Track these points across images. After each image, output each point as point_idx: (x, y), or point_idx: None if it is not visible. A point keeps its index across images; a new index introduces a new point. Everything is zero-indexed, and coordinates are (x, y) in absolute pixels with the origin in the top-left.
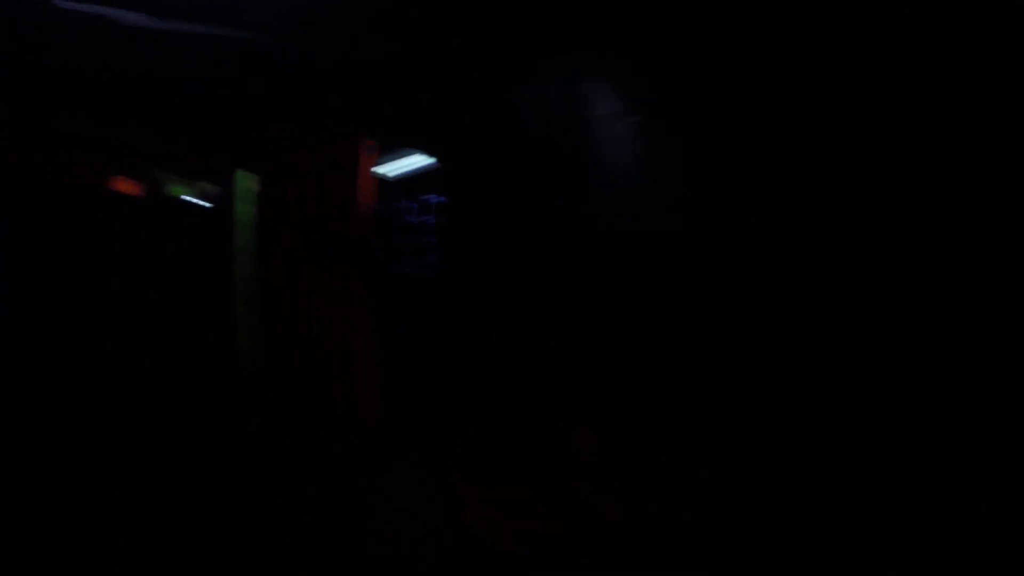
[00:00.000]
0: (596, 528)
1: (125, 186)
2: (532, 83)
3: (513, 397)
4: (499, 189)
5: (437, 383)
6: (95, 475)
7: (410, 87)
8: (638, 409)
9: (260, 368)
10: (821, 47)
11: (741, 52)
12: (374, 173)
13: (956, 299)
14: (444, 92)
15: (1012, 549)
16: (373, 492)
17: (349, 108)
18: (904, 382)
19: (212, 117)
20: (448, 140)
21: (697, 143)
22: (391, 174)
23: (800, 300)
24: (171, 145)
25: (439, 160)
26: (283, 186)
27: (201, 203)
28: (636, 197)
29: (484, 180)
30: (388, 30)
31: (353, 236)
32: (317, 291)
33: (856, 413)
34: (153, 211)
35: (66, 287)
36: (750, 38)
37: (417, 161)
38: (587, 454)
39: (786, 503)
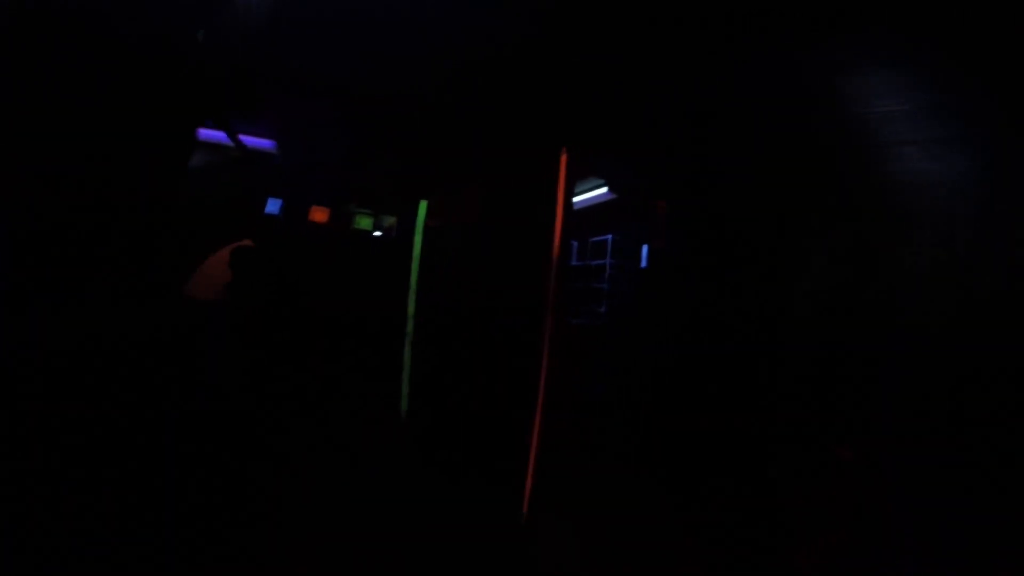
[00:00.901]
0: None
1: (319, 215)
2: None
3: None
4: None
5: (614, 460)
6: None
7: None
8: None
9: (419, 416)
10: None
11: None
12: (570, 196)
13: None
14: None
15: None
16: None
17: (546, 112)
18: None
19: (404, 137)
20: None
21: None
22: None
23: None
24: (361, 171)
25: (653, 185)
26: (460, 213)
27: (386, 236)
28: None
29: (726, 216)
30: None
31: (541, 275)
32: (488, 340)
33: None
34: (339, 243)
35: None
36: None
37: (592, 193)
38: None
39: None
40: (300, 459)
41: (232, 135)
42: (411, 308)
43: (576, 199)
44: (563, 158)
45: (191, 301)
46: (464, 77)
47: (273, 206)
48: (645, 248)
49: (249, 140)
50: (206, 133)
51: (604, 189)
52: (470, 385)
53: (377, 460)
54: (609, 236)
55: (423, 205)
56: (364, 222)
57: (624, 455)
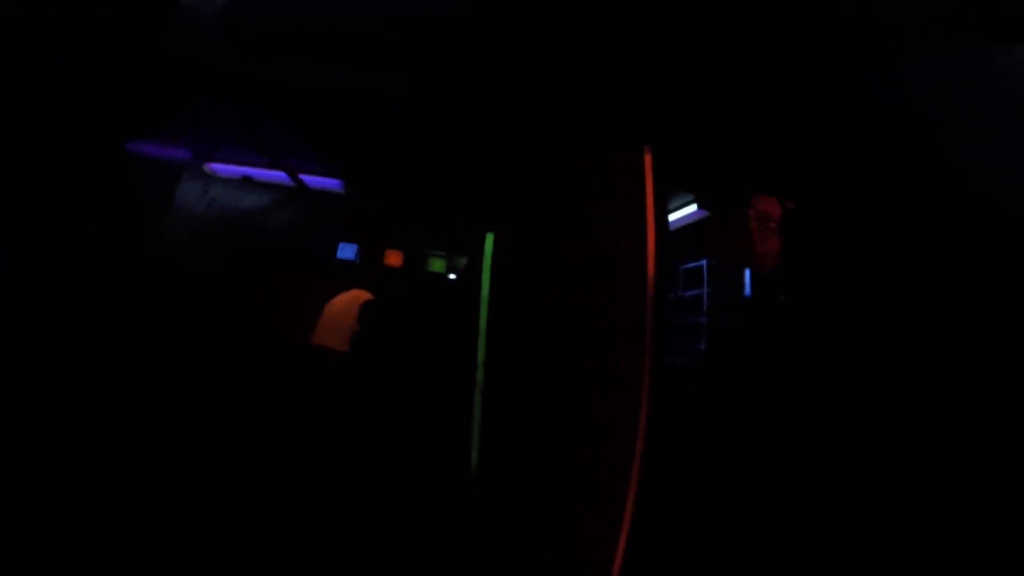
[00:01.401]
0: None
1: (394, 259)
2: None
3: None
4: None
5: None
6: None
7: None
8: None
9: (489, 477)
10: None
11: None
12: (663, 206)
13: None
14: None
15: None
16: None
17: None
18: None
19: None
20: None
21: None
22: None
23: None
24: (426, 206)
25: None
26: (531, 243)
27: (461, 278)
28: None
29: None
30: None
31: (633, 309)
32: (566, 392)
33: None
34: (414, 287)
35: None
36: None
37: (677, 214)
38: None
39: None
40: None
41: (292, 173)
42: (481, 355)
43: (682, 215)
44: (647, 158)
45: (317, 348)
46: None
47: (347, 251)
48: (747, 273)
49: (312, 180)
50: (263, 172)
51: (692, 208)
52: (549, 441)
53: (440, 533)
54: (704, 262)
55: (490, 238)
56: (437, 264)
57: (742, 525)
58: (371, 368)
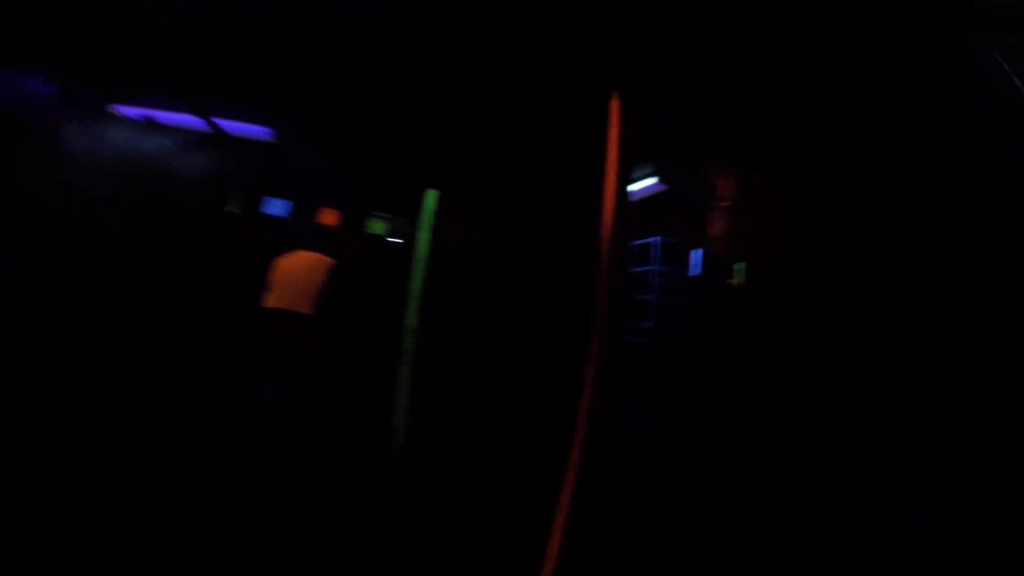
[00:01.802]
0: None
1: (329, 218)
2: None
3: None
4: None
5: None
6: None
7: None
8: None
9: (417, 454)
10: None
11: None
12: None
13: None
14: None
15: None
16: None
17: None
18: None
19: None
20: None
21: None
22: None
23: None
24: (366, 160)
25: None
26: (476, 202)
27: (397, 240)
28: None
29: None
30: None
31: (585, 272)
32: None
33: None
34: (351, 250)
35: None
36: None
37: (632, 188)
38: None
39: None
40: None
41: (205, 116)
42: (412, 320)
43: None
44: (614, 105)
45: (272, 311)
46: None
47: (278, 208)
48: (697, 254)
49: (235, 126)
50: (175, 116)
51: (650, 181)
52: (485, 418)
53: (361, 515)
54: (658, 239)
55: (432, 196)
56: (378, 226)
57: (692, 520)
58: (337, 334)
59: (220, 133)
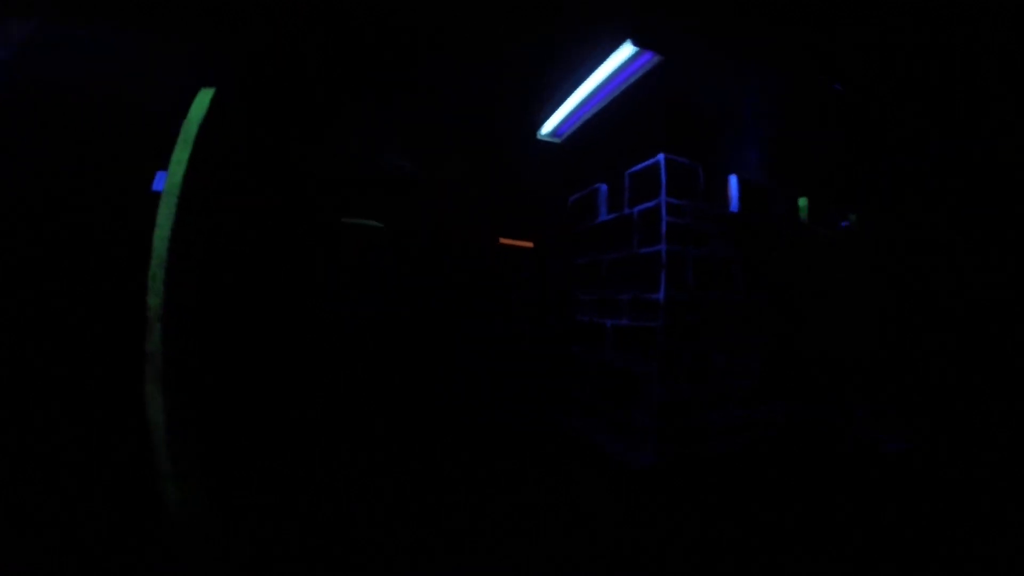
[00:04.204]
0: None
1: None
2: None
3: None
4: None
5: None
6: None
7: None
8: None
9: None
10: None
11: None
12: None
13: None
14: None
15: None
16: None
17: None
18: None
19: None
20: None
21: None
22: (562, 127)
23: None
24: None
25: None
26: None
27: None
28: None
29: None
30: None
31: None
32: None
33: None
34: None
35: None
36: None
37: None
38: None
39: None
40: None
41: None
42: (154, 301)
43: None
44: None
45: None
46: None
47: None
48: (733, 180)
49: None
50: None
51: (628, 51)
52: None
53: None
54: (660, 156)
55: (205, 97)
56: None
57: None
58: None
59: None
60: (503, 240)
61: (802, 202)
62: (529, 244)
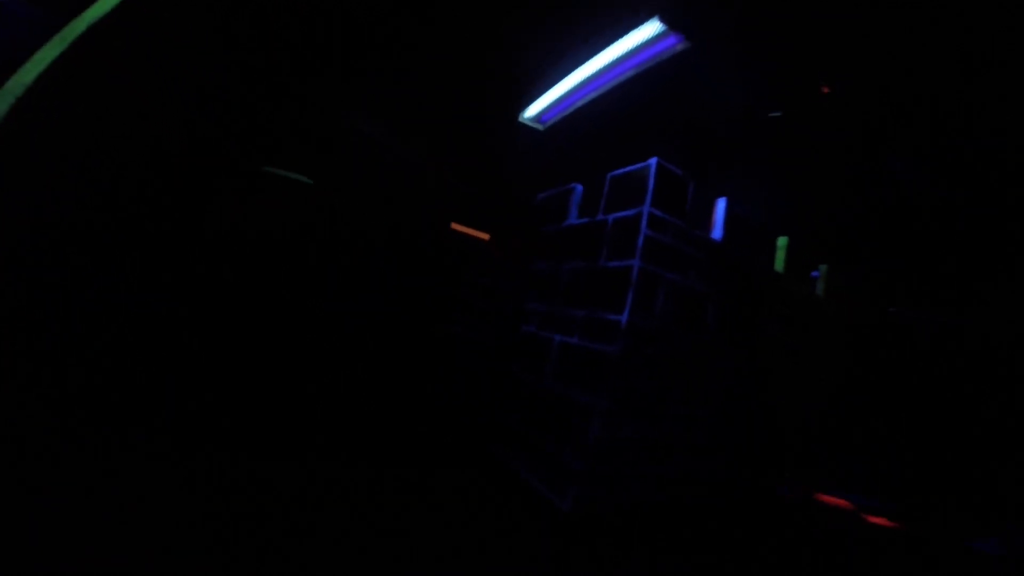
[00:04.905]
0: None
1: None
2: None
3: None
4: None
5: None
6: None
7: None
8: None
9: None
10: None
11: None
12: None
13: None
14: None
15: None
16: None
17: None
18: None
19: None
20: None
21: None
22: (548, 113)
23: None
24: None
25: None
26: None
27: None
28: None
29: None
30: None
31: None
32: None
33: None
34: None
35: None
36: None
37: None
38: None
39: None
40: None
41: None
42: None
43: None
44: None
45: None
46: None
47: None
48: (721, 204)
49: None
50: None
51: (651, 29)
52: None
53: None
54: (653, 160)
55: None
56: None
57: None
58: None
59: None
60: (455, 225)
61: (781, 241)
62: (485, 236)
